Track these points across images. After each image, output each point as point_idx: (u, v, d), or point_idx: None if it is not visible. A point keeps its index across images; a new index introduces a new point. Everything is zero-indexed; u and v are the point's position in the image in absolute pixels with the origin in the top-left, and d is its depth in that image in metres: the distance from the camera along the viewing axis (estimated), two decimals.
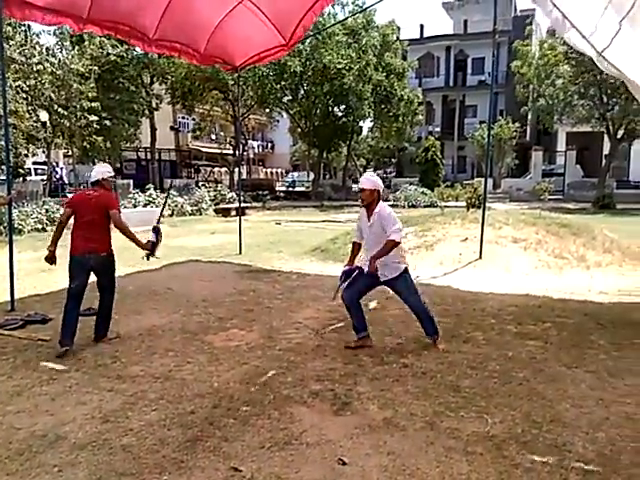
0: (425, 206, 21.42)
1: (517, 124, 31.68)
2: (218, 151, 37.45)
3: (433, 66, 41.73)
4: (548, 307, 5.95)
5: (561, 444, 2.95)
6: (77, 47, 18.60)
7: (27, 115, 13.84)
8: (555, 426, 3.16)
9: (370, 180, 4.53)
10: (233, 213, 17.36)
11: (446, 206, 16.06)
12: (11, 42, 14.73)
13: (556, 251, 8.41)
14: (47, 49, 16.30)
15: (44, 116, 15.90)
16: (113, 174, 4.85)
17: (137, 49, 17.17)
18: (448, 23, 43.66)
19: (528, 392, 3.66)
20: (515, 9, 40.23)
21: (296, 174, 44.92)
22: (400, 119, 27.76)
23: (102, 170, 4.76)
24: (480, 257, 8.43)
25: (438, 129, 39.92)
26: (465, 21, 39.76)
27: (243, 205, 13.70)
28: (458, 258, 8.50)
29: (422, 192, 23.22)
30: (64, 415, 3.33)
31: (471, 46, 39.31)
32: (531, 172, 30.50)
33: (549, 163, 33.41)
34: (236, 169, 26.25)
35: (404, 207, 21.60)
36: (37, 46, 15.88)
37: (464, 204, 16.08)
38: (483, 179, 10.24)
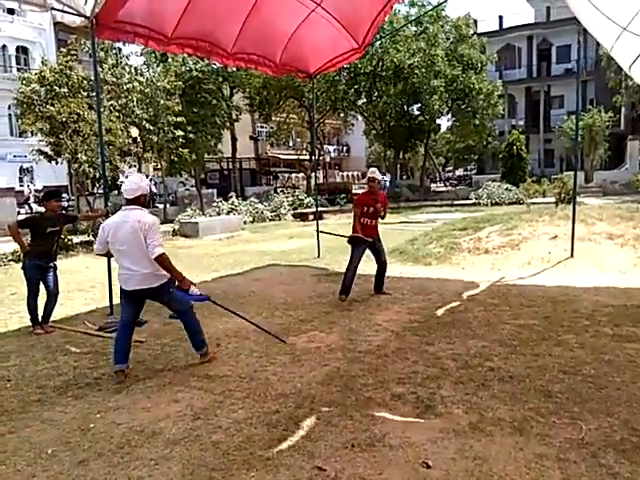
0: (510, 203, 20.54)
1: (609, 113, 29.57)
2: (295, 157, 38.16)
3: (514, 57, 39.95)
4: None
5: None
6: (162, 65, 19.76)
7: (120, 133, 14.87)
8: None
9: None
10: (311, 217, 17.63)
11: (532, 203, 15.29)
12: (104, 65, 15.94)
13: None
14: (135, 69, 17.45)
15: (134, 132, 17.02)
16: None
17: (216, 63, 17.92)
18: (529, 12, 41.67)
19: (627, 398, 3.41)
20: None
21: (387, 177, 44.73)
22: (478, 114, 26.79)
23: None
24: (571, 255, 7.97)
25: (522, 122, 38.14)
26: (548, 8, 37.70)
27: (320, 209, 13.86)
28: (547, 257, 8.09)
29: (506, 188, 22.26)
30: (159, 412, 3.54)
31: (555, 34, 37.25)
32: (627, 163, 28.33)
33: None
34: (312, 174, 26.66)
35: (487, 205, 20.85)
36: (127, 67, 17.06)
37: (552, 200, 15.28)
38: (573, 173, 9.66)
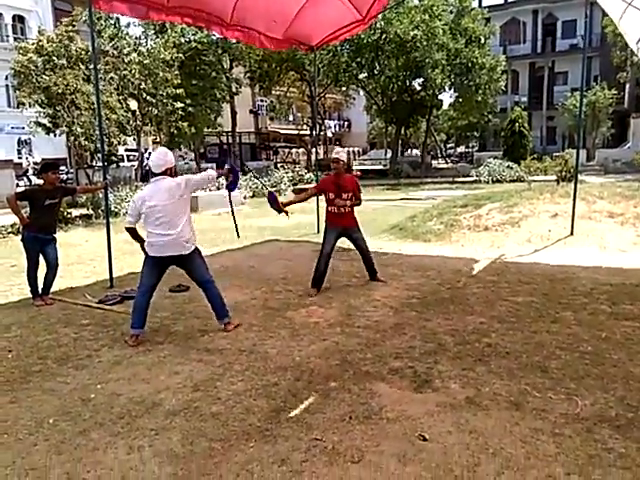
0: (511, 181, 20.43)
1: (613, 90, 29.23)
2: (296, 132, 37.86)
3: (519, 32, 39.33)
4: None
5: None
6: (160, 36, 19.43)
7: (118, 105, 14.69)
8: None
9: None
10: None
11: (534, 180, 15.25)
12: (103, 35, 15.67)
13: None
14: (135, 39, 17.17)
15: (133, 105, 16.83)
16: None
17: (216, 34, 17.59)
18: None
19: (624, 375, 3.44)
20: None
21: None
22: (481, 90, 26.44)
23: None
24: (571, 233, 7.97)
25: (525, 99, 37.71)
26: None
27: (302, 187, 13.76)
28: (547, 235, 8.08)
29: (507, 166, 22.10)
30: (159, 383, 3.58)
31: (561, 8, 36.62)
32: (629, 141, 28.13)
33: None
34: (313, 149, 26.41)
35: (487, 182, 20.75)
36: (127, 37, 16.77)
37: (554, 178, 15.21)
38: (575, 150, 9.59)
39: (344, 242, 8.89)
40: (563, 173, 14.01)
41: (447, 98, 33.91)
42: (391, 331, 4.45)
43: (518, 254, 7.37)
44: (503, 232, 8.40)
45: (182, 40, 20.16)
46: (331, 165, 5.85)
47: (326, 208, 5.93)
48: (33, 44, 14.26)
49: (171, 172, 4.43)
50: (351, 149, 47.19)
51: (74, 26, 14.70)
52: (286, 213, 5.57)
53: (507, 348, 3.97)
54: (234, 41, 22.21)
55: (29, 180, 22.01)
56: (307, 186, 19.81)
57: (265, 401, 3.25)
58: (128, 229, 4.48)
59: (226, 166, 4.91)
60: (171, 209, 4.27)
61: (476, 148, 42.01)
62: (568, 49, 36.47)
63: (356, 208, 5.97)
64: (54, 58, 13.57)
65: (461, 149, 48.36)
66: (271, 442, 2.79)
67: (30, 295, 5.71)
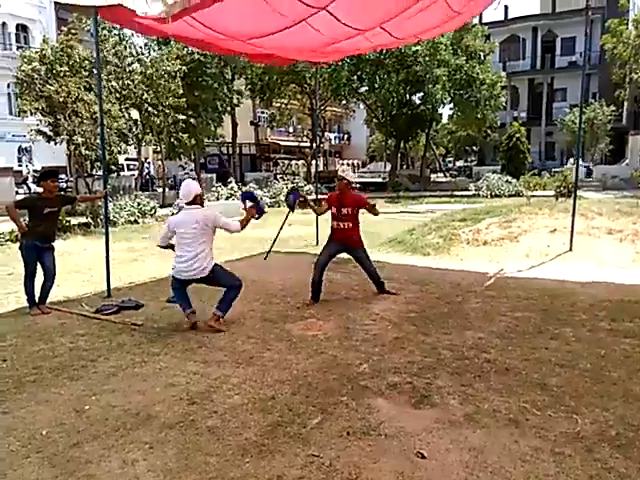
0: (509, 195, 20.50)
1: (612, 107, 29.44)
2: (296, 144, 37.99)
3: (518, 49, 39.74)
4: None
5: None
6: (163, 47, 19.55)
7: (119, 114, 14.75)
8: None
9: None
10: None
11: (532, 195, 15.24)
12: (106, 44, 15.76)
13: None
14: (139, 49, 17.29)
15: (135, 114, 16.89)
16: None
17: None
18: (534, 3, 41.32)
19: (623, 393, 3.41)
20: None
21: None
22: (481, 105, 26.62)
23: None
24: (570, 249, 7.96)
25: (524, 114, 38.01)
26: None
27: (320, 197, 13.77)
28: (546, 250, 8.08)
29: (506, 180, 22.20)
30: (155, 395, 3.54)
31: (560, 25, 37.05)
32: (627, 158, 28.27)
33: None
34: (313, 161, 26.47)
35: (486, 197, 20.80)
36: (130, 47, 16.87)
37: (552, 193, 15.23)
38: (574, 166, 9.62)
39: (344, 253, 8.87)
40: (562, 189, 14.04)
41: (446, 111, 34.13)
42: (390, 345, 4.42)
43: (517, 269, 7.36)
44: (502, 247, 8.40)
45: (185, 51, 20.25)
46: (337, 183, 6.12)
47: (331, 223, 6.03)
48: (37, 52, 14.35)
49: (200, 200, 4.96)
50: (350, 162, 47.46)
51: (75, 34, 14.81)
52: (302, 208, 6.08)
53: (506, 364, 3.94)
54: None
55: (28, 188, 22.01)
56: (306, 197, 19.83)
57: (262, 415, 3.21)
58: (161, 247, 5.19)
59: (248, 204, 5.15)
60: (195, 237, 4.76)
61: (475, 162, 42.19)
62: (567, 66, 36.84)
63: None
64: (56, 66, 13.64)
65: (460, 163, 48.61)
66: (267, 457, 2.75)
67: (27, 304, 5.67)
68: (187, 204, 4.91)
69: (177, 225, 4.88)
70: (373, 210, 5.82)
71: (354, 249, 6.01)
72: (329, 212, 6.00)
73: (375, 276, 6.13)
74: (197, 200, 4.91)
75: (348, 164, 45.90)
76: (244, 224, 4.98)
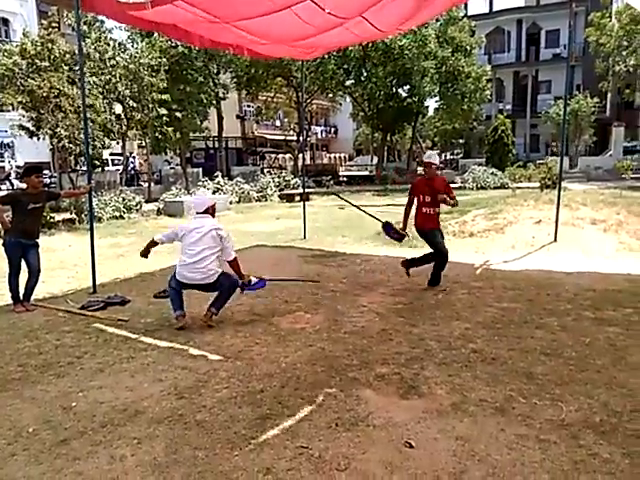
0: (495, 187, 20.66)
1: (595, 99, 29.71)
2: (282, 138, 37.80)
3: (503, 41, 39.85)
4: (630, 292, 5.60)
5: None
6: (147, 40, 19.28)
7: (102, 109, 14.56)
8: (637, 416, 2.98)
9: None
10: (297, 198, 17.55)
11: (518, 187, 15.41)
12: (87, 39, 15.52)
13: (639, 233, 7.87)
14: (119, 44, 17.02)
15: (118, 109, 16.68)
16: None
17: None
18: None
19: (607, 380, 3.47)
20: None
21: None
22: (466, 98, 26.71)
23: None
24: (555, 240, 8.06)
25: (509, 107, 38.17)
26: None
27: (307, 190, 13.81)
28: (531, 241, 8.17)
29: (492, 173, 22.34)
30: (142, 391, 3.52)
31: (545, 18, 37.21)
32: (611, 149, 28.60)
33: (631, 140, 31.14)
34: (300, 155, 26.41)
35: (472, 189, 20.92)
36: (111, 42, 16.63)
37: (537, 185, 15.40)
38: (558, 158, 9.71)
39: (332, 245, 8.90)
40: (547, 180, 14.19)
41: (432, 104, 34.19)
42: (377, 337, 4.44)
43: (503, 260, 7.43)
44: (488, 238, 8.47)
45: (168, 44, 20.01)
46: (424, 169, 6.10)
47: (419, 210, 5.99)
48: (17, 46, 14.09)
49: (213, 210, 5.02)
50: (337, 155, 47.42)
51: (56, 27, 14.56)
52: (406, 234, 6.25)
53: (492, 354, 3.98)
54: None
55: (11, 184, 21.66)
56: (293, 191, 19.80)
57: (250, 408, 3.22)
58: (154, 242, 5.00)
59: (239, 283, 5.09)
60: (208, 246, 4.75)
61: (461, 155, 42.37)
62: (551, 58, 37.04)
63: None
64: (37, 61, 13.41)
65: (446, 156, 48.78)
66: (256, 450, 2.76)
67: (11, 301, 5.60)
68: (198, 213, 4.96)
69: (186, 229, 4.85)
70: (452, 199, 5.88)
71: (433, 232, 6.06)
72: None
73: (439, 266, 6.12)
74: (209, 211, 4.97)
75: (336, 157, 45.90)
76: (237, 269, 4.95)
